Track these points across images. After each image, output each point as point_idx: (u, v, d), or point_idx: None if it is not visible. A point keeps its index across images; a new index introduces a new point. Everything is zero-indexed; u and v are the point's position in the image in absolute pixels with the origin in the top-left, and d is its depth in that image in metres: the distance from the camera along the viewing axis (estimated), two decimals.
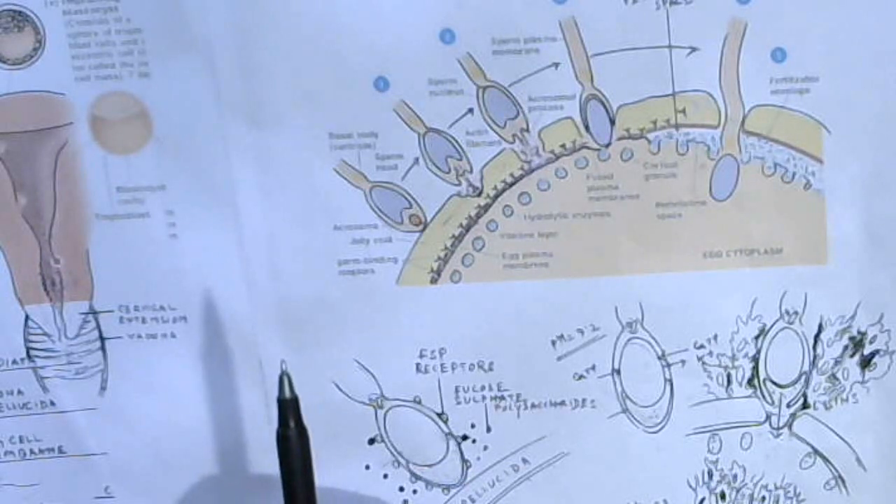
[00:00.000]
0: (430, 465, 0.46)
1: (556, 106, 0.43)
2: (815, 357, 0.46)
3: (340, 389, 0.45)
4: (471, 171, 0.44)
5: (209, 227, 0.43)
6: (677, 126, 0.44)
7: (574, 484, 0.46)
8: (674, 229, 0.44)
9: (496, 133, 0.43)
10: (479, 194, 0.44)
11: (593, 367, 0.45)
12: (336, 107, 0.43)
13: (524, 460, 0.46)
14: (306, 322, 0.44)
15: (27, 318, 0.44)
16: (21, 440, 0.45)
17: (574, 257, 0.44)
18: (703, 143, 0.44)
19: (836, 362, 0.46)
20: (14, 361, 0.44)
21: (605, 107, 0.43)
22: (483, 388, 0.45)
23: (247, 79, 0.42)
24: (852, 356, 0.46)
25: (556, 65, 0.43)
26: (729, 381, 0.46)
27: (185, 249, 0.43)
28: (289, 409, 0.35)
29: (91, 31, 0.42)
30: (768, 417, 0.46)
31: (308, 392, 0.44)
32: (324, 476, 0.45)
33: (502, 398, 0.45)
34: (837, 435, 0.46)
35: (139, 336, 0.44)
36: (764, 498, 0.47)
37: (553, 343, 0.45)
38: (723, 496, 0.47)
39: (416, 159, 0.43)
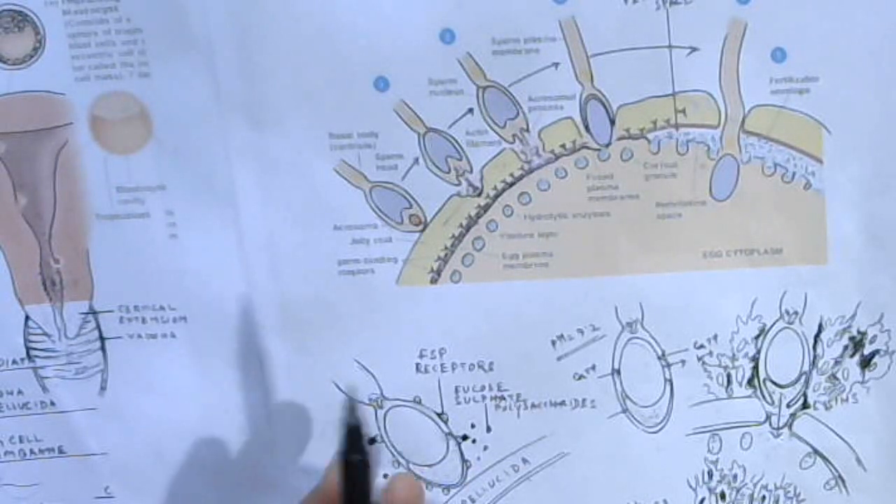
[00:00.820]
0: (430, 465, 0.46)
1: (556, 106, 0.43)
2: (815, 357, 0.46)
3: (340, 389, 0.45)
4: (471, 171, 0.44)
5: (209, 227, 0.43)
6: (677, 126, 0.44)
7: (574, 484, 0.46)
8: (674, 229, 0.44)
9: (496, 133, 0.43)
10: (479, 194, 0.44)
11: (593, 367, 0.45)
12: (336, 107, 0.43)
13: (524, 460, 0.46)
14: (306, 322, 0.44)
15: (27, 318, 0.44)
16: (21, 440, 0.45)
17: (574, 257, 0.44)
18: (703, 143, 0.44)
19: (836, 362, 0.46)
20: (14, 361, 0.44)
21: (605, 107, 0.43)
22: (483, 388, 0.45)
23: (247, 79, 0.42)
24: (852, 356, 0.46)
25: (556, 65, 0.43)
26: (729, 381, 0.46)
27: (185, 249, 0.43)
28: (354, 435, 0.35)
29: (91, 31, 0.42)
30: (768, 417, 0.46)
31: (308, 392, 0.45)
32: None
33: (502, 398, 0.45)
34: (837, 435, 0.46)
35: (139, 336, 0.44)
36: (764, 498, 0.47)
37: (553, 343, 0.45)
38: (723, 496, 0.47)
39: (416, 159, 0.43)
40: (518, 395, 0.45)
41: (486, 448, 0.46)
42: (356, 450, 0.35)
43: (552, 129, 0.43)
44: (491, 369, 0.45)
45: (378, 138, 0.43)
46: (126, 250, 0.44)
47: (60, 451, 0.45)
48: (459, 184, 0.44)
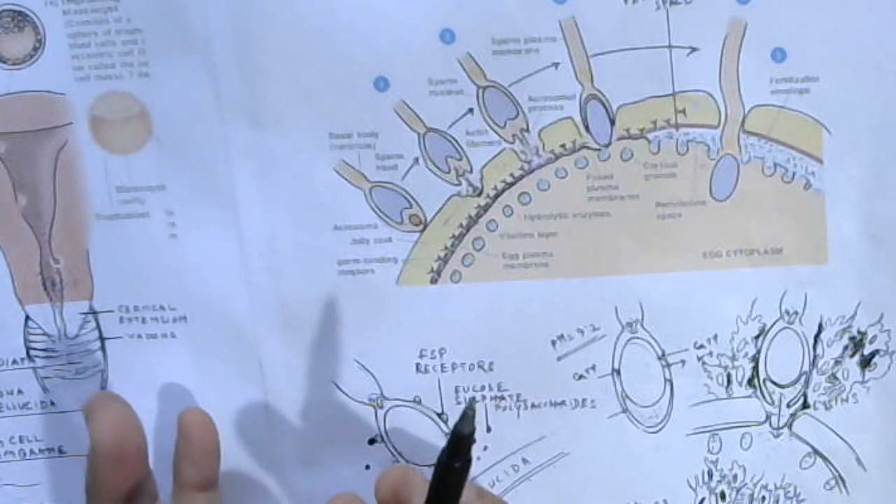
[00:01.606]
0: (430, 465, 0.46)
1: (556, 106, 0.43)
2: (815, 357, 0.46)
3: (340, 389, 0.45)
4: (471, 171, 0.44)
5: (209, 227, 0.43)
6: (677, 126, 0.44)
7: (574, 484, 0.46)
8: (674, 229, 0.44)
9: (496, 133, 0.43)
10: (479, 194, 0.44)
11: (593, 367, 0.45)
12: (336, 107, 0.43)
13: (524, 460, 0.46)
14: (306, 322, 0.44)
15: (27, 318, 0.44)
16: (21, 440, 0.45)
17: (574, 257, 0.44)
18: (703, 143, 0.44)
19: (836, 362, 0.46)
20: (14, 361, 0.44)
21: (605, 107, 0.43)
22: (483, 388, 0.45)
23: (247, 79, 0.42)
24: (852, 356, 0.46)
25: (556, 65, 0.43)
26: (729, 381, 0.46)
27: (185, 249, 0.43)
28: (463, 443, 0.34)
29: (91, 31, 0.42)
30: (768, 417, 0.46)
31: (308, 392, 0.45)
32: (324, 476, 0.45)
33: (502, 398, 0.45)
34: (837, 435, 0.46)
35: (139, 336, 0.44)
36: (764, 498, 0.47)
37: (553, 343, 0.45)
38: (723, 496, 0.47)
39: (416, 159, 0.43)
40: (518, 395, 0.45)
41: (486, 448, 0.46)
42: (458, 457, 0.34)
43: (552, 129, 0.43)
44: (491, 369, 0.45)
45: (378, 138, 0.43)
46: (126, 250, 0.44)
47: (60, 451, 0.45)
48: (459, 184, 0.44)
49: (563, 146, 0.44)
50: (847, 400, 0.46)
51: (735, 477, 0.47)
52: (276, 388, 0.45)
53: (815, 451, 0.47)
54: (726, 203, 0.44)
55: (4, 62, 0.42)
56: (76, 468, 0.45)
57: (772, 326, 0.45)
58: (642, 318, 0.45)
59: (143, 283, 0.44)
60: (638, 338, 0.45)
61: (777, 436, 0.46)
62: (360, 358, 0.45)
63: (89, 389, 0.45)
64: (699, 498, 0.47)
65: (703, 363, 0.46)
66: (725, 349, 0.45)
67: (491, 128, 0.43)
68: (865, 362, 0.46)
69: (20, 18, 0.42)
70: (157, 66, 0.42)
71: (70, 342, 0.44)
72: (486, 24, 0.42)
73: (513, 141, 0.44)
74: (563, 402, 0.46)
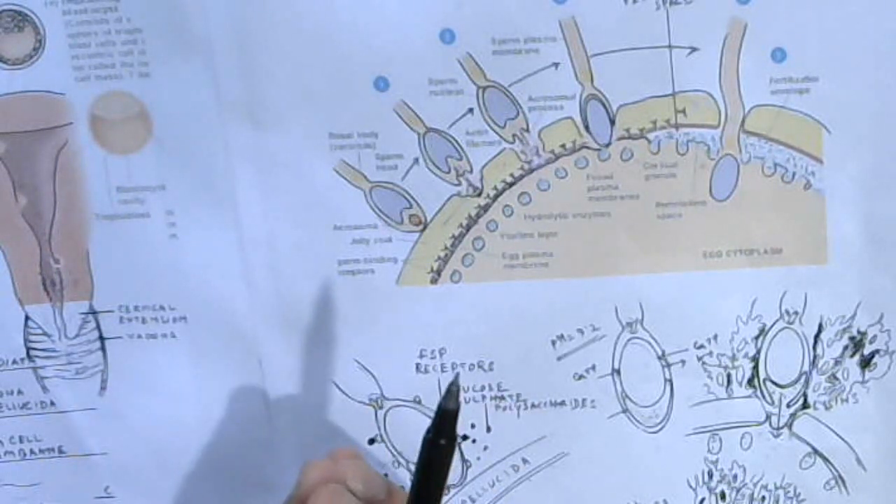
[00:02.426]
0: None
1: (556, 106, 0.43)
2: (815, 357, 0.46)
3: (340, 389, 0.45)
4: (471, 171, 0.44)
5: (209, 227, 0.43)
6: (677, 126, 0.44)
7: (574, 484, 0.46)
8: (674, 229, 0.44)
9: (496, 133, 0.43)
10: (479, 194, 0.44)
11: (593, 367, 0.45)
12: (336, 107, 0.43)
13: (524, 460, 0.46)
14: (306, 322, 0.44)
15: (27, 318, 0.44)
16: (21, 440, 0.45)
17: (574, 257, 0.44)
18: (703, 143, 0.44)
19: (836, 362, 0.46)
20: (14, 361, 0.44)
21: (605, 107, 0.43)
22: (483, 388, 0.45)
23: (247, 79, 0.42)
24: (852, 356, 0.46)
25: (556, 65, 0.43)
26: (729, 381, 0.46)
27: (185, 249, 0.43)
28: (448, 419, 0.34)
29: (91, 31, 0.42)
30: (768, 417, 0.46)
31: (308, 392, 0.45)
32: None
33: (502, 398, 0.45)
34: (837, 435, 0.46)
35: (139, 336, 0.44)
36: (764, 498, 0.47)
37: (553, 343, 0.45)
38: (723, 496, 0.47)
39: (416, 159, 0.43)
40: (518, 395, 0.45)
41: (486, 448, 0.46)
42: (444, 434, 0.34)
43: (552, 129, 0.43)
44: (491, 369, 0.45)
45: (378, 138, 0.43)
46: (126, 250, 0.44)
47: (60, 451, 0.45)
48: (459, 184, 0.44)
49: (563, 146, 0.44)
50: (847, 400, 0.46)
51: (735, 477, 0.47)
52: (276, 388, 0.45)
53: (815, 451, 0.47)
54: (726, 203, 0.44)
55: (4, 62, 0.42)
56: (76, 468, 0.45)
57: (772, 326, 0.45)
58: (642, 318, 0.45)
59: (143, 283, 0.44)
60: (638, 338, 0.45)
61: (777, 436, 0.46)
62: (359, 358, 0.45)
63: (89, 389, 0.45)
64: (699, 498, 0.47)
65: (703, 363, 0.46)
66: (725, 349, 0.45)
67: (491, 128, 0.43)
68: (865, 362, 0.46)
69: (20, 18, 0.42)
70: (157, 66, 0.42)
71: (70, 342, 0.44)
72: (486, 24, 0.42)
73: (513, 141, 0.43)
74: (563, 402, 0.46)
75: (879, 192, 0.44)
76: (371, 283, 0.44)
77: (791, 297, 0.45)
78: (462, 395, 0.45)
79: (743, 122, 0.44)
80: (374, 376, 0.45)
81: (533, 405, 0.46)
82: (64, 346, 0.44)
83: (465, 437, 0.46)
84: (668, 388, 0.46)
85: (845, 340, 0.46)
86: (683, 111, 0.43)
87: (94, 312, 0.44)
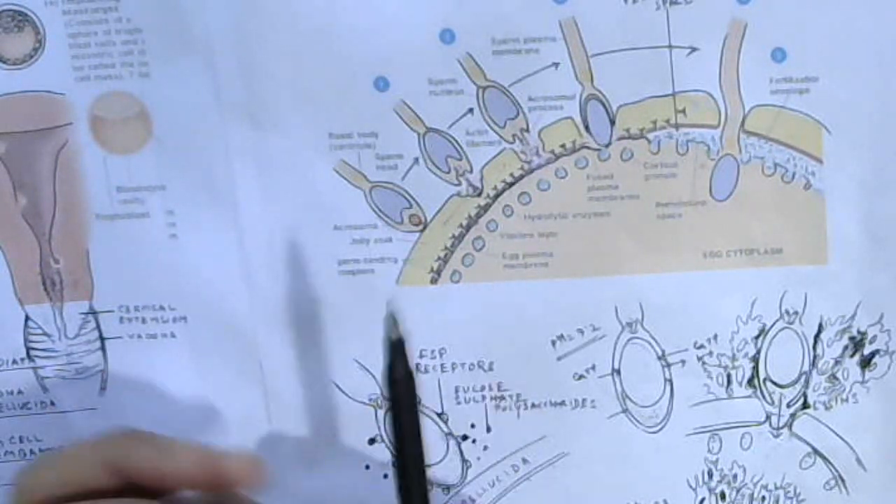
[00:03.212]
0: (429, 465, 0.46)
1: (556, 106, 0.43)
2: (815, 357, 0.46)
3: (340, 389, 0.45)
4: (471, 171, 0.44)
5: (209, 227, 0.43)
6: (677, 126, 0.44)
7: (574, 484, 0.46)
8: (674, 229, 0.44)
9: (496, 133, 0.43)
10: (479, 194, 0.44)
11: (593, 367, 0.45)
12: (336, 107, 0.43)
13: (524, 460, 0.46)
14: (306, 322, 0.44)
15: (27, 318, 0.44)
16: (21, 440, 0.45)
17: (574, 257, 0.44)
18: (703, 143, 0.44)
19: (836, 362, 0.46)
20: (14, 361, 0.44)
21: (605, 107, 0.43)
22: (483, 388, 0.45)
23: (247, 79, 0.42)
24: (852, 356, 0.46)
25: (556, 65, 0.43)
26: (729, 381, 0.46)
27: (185, 249, 0.43)
28: (397, 351, 0.34)
29: (91, 31, 0.42)
30: (768, 417, 0.46)
31: (308, 392, 0.45)
32: (324, 476, 0.45)
33: (502, 398, 0.45)
34: (837, 435, 0.46)
35: (139, 336, 0.44)
36: (764, 498, 0.47)
37: (553, 343, 0.45)
38: (723, 496, 0.47)
39: (416, 159, 0.43)
40: (518, 395, 0.45)
41: (486, 448, 0.46)
42: (400, 366, 0.35)
43: (552, 129, 0.43)
44: (491, 369, 0.45)
45: (378, 138, 0.43)
46: (126, 250, 0.44)
47: None
48: (459, 184, 0.44)
49: (563, 146, 0.44)
50: (847, 400, 0.46)
51: (735, 477, 0.47)
52: (276, 388, 0.45)
53: (815, 451, 0.47)
54: (726, 203, 0.44)
55: (4, 62, 0.42)
56: None
57: (772, 326, 0.45)
58: (642, 318, 0.45)
59: (143, 283, 0.44)
60: (638, 338, 0.45)
61: (777, 436, 0.46)
62: (360, 358, 0.45)
63: (89, 389, 0.45)
64: (699, 498, 0.47)
65: (703, 363, 0.46)
66: (725, 349, 0.45)
67: (491, 128, 0.43)
68: (865, 362, 0.46)
69: (20, 18, 0.42)
70: (157, 66, 0.42)
71: (70, 342, 0.44)
72: (486, 24, 0.42)
73: (513, 141, 0.43)
74: (563, 402, 0.46)
75: (879, 192, 0.44)
76: (371, 283, 0.44)
77: (791, 297, 0.45)
78: (462, 395, 0.46)
79: (743, 122, 0.44)
80: (374, 376, 0.45)
81: (533, 405, 0.46)
82: (64, 346, 0.44)
83: (465, 438, 0.46)
84: (668, 388, 0.46)
85: (845, 340, 0.46)
86: (683, 111, 0.43)
87: (94, 312, 0.44)
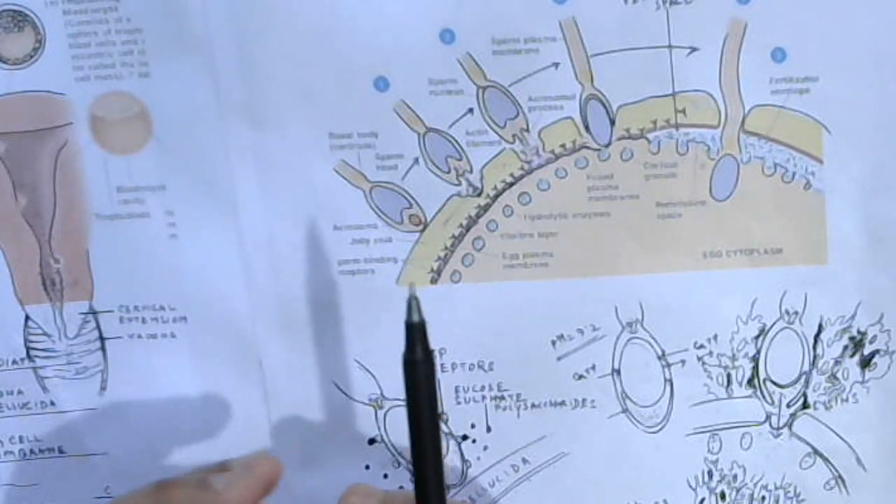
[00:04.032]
0: None
1: (556, 106, 0.43)
2: (815, 357, 0.46)
3: (340, 389, 0.45)
4: (471, 171, 0.44)
5: (209, 227, 0.43)
6: (677, 126, 0.44)
7: (574, 484, 0.46)
8: (674, 229, 0.44)
9: (496, 133, 0.43)
10: (479, 194, 0.44)
11: (593, 367, 0.45)
12: (336, 107, 0.43)
13: (524, 460, 0.46)
14: (306, 322, 0.44)
15: (27, 318, 0.44)
16: (21, 440, 0.45)
17: (574, 257, 0.44)
18: (703, 143, 0.44)
19: (836, 362, 0.46)
20: (14, 361, 0.44)
21: (605, 107, 0.43)
22: (483, 388, 0.45)
23: (247, 79, 0.42)
24: (852, 356, 0.46)
25: (556, 65, 0.43)
26: (729, 381, 0.46)
27: (185, 249, 0.43)
28: (417, 333, 0.34)
29: (91, 31, 0.42)
30: (768, 417, 0.46)
31: (308, 392, 0.45)
32: (324, 476, 0.45)
33: (502, 398, 0.45)
34: (837, 435, 0.46)
35: (139, 336, 0.44)
36: (764, 498, 0.47)
37: (553, 343, 0.45)
38: (723, 496, 0.47)
39: (416, 159, 0.43)
40: (518, 395, 0.45)
41: (486, 448, 0.46)
42: (419, 349, 0.34)
43: (552, 129, 0.43)
44: (491, 369, 0.45)
45: (378, 138, 0.43)
46: (126, 250, 0.44)
47: (60, 451, 0.45)
48: (459, 184, 0.44)
49: (563, 146, 0.44)
50: (847, 400, 0.46)
51: (735, 477, 0.47)
52: (276, 388, 0.45)
53: (815, 451, 0.47)
54: (726, 203, 0.44)
55: (4, 62, 0.42)
56: (76, 468, 0.45)
57: (772, 326, 0.45)
58: (642, 318, 0.45)
59: (143, 283, 0.44)
60: (638, 338, 0.45)
61: (777, 436, 0.46)
62: (360, 358, 0.45)
63: (89, 389, 0.45)
64: (699, 498, 0.47)
65: (703, 363, 0.46)
66: (725, 349, 0.45)
67: (491, 128, 0.43)
68: (865, 362, 0.46)
69: (20, 18, 0.42)
70: (157, 66, 0.42)
71: (70, 342, 0.44)
72: (486, 24, 0.42)
73: (513, 141, 0.44)
74: (563, 402, 0.46)
75: (879, 192, 0.44)
76: (371, 283, 0.44)
77: (791, 297, 0.45)
78: (462, 395, 0.46)
79: (743, 122, 0.44)
80: (374, 376, 0.45)
81: (533, 405, 0.46)
82: (64, 346, 0.44)
83: (465, 438, 0.46)
84: (668, 388, 0.46)
85: (845, 340, 0.46)
86: (683, 111, 0.43)
87: (94, 312, 0.44)
